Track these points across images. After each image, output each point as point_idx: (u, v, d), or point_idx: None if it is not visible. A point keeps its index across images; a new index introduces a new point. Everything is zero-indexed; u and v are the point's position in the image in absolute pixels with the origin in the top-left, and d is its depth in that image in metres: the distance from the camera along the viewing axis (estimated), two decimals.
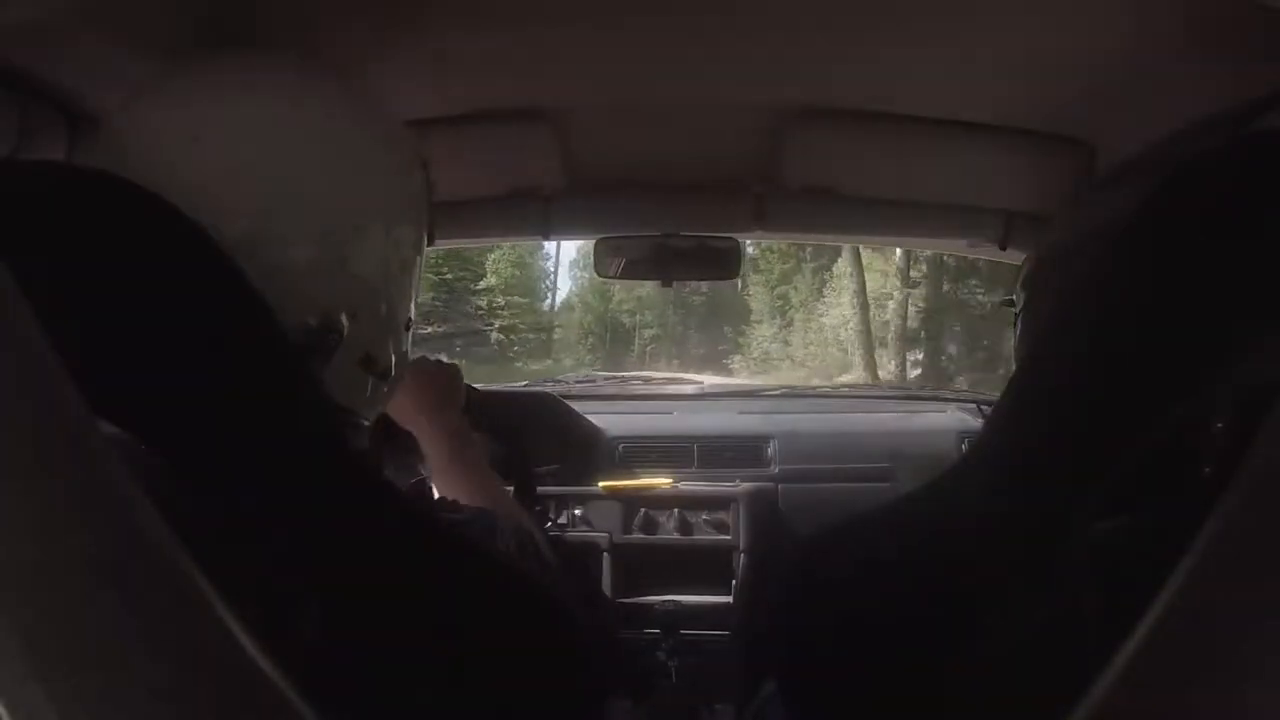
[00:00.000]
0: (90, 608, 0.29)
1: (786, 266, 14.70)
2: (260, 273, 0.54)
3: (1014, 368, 0.76)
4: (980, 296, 11.76)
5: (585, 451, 1.66)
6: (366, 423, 0.72)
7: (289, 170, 0.62)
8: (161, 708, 0.29)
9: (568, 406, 1.71)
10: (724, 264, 1.61)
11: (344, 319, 0.63)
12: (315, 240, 0.62)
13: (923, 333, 12.74)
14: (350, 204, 0.64)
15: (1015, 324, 0.77)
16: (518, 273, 15.50)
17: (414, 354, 0.80)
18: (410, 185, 0.71)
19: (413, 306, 0.74)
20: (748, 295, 15.21)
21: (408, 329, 0.73)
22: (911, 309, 12.62)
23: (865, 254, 12.40)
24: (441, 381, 0.96)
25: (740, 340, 15.52)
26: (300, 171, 0.62)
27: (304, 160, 0.62)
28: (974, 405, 1.86)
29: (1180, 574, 0.32)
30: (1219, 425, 0.51)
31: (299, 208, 0.62)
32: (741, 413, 1.93)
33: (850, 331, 13.05)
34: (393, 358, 0.71)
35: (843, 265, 13.40)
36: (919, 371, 12.38)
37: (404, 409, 0.90)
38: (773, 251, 14.28)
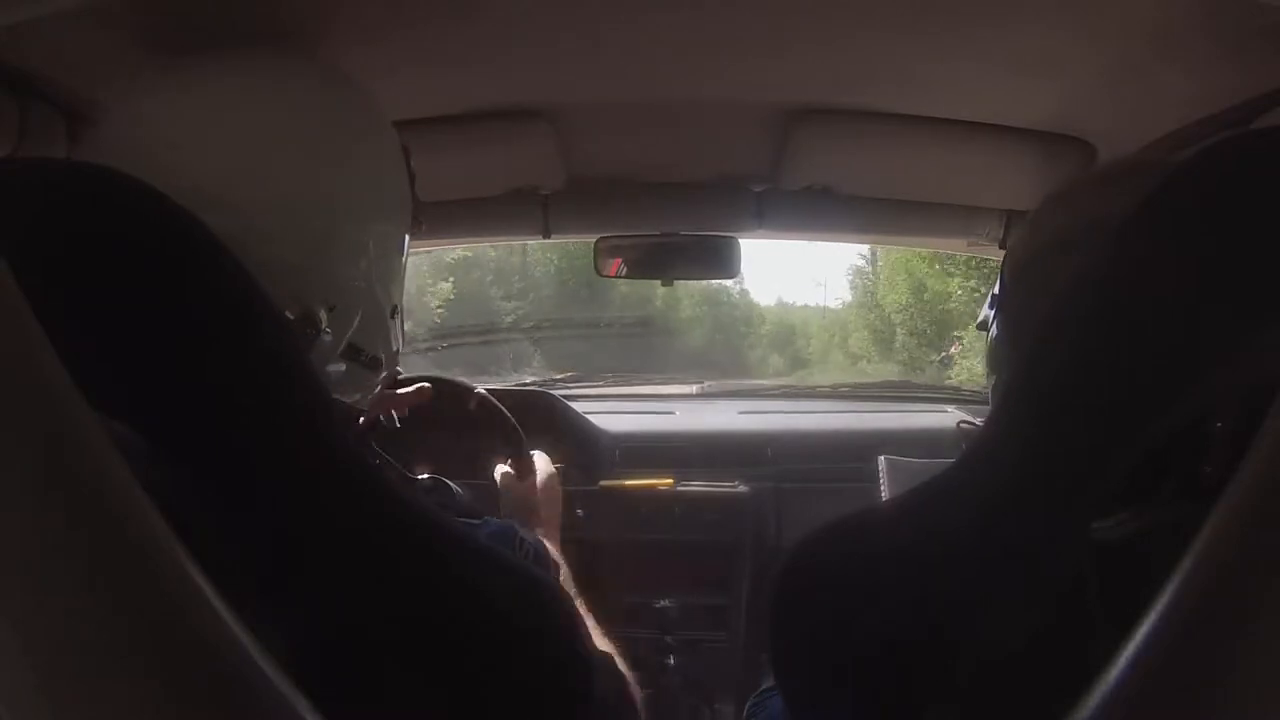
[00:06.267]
0: (90, 607, 0.29)
1: None
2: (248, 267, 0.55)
3: (990, 365, 0.76)
4: None
5: (585, 452, 1.66)
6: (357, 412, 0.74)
7: (271, 167, 0.63)
8: (160, 706, 0.29)
9: (568, 406, 1.71)
10: (724, 263, 1.60)
11: (322, 313, 0.64)
12: (298, 235, 0.63)
13: None
14: (333, 199, 0.65)
15: (991, 321, 0.75)
16: None
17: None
18: (393, 177, 0.72)
19: (400, 294, 0.75)
20: None
21: (394, 316, 0.74)
22: None
23: None
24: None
25: None
26: (282, 168, 0.63)
27: (285, 156, 0.63)
28: (975, 404, 1.87)
29: (1180, 574, 0.32)
30: (1218, 425, 0.51)
31: (281, 204, 0.63)
32: (741, 413, 1.93)
33: None
34: (381, 346, 0.72)
35: None
36: None
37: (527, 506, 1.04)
38: None
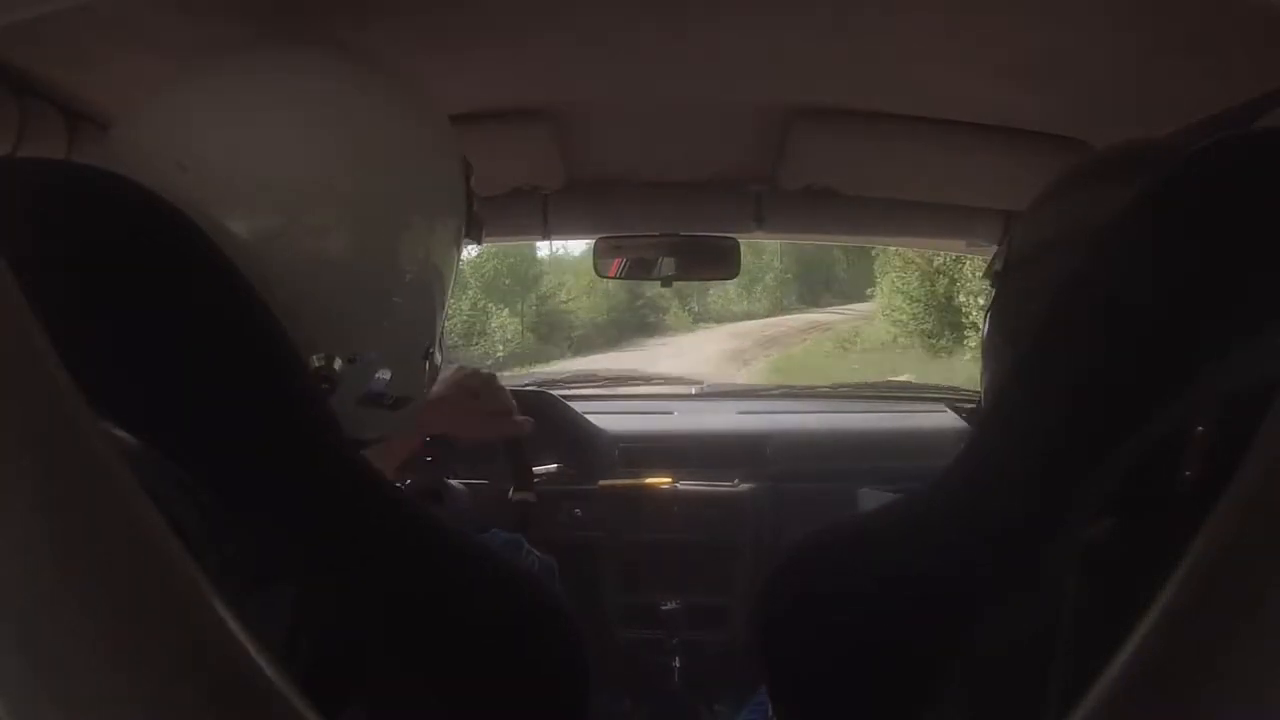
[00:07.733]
0: (90, 607, 0.29)
1: None
2: (276, 280, 0.54)
3: (983, 360, 0.77)
4: None
5: (585, 451, 1.66)
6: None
7: (315, 165, 0.59)
8: (161, 707, 0.29)
9: (567, 406, 1.71)
10: (724, 264, 1.61)
11: (337, 363, 0.60)
12: (342, 242, 0.60)
13: None
14: (375, 204, 0.61)
15: (984, 319, 0.77)
16: None
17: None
18: (447, 187, 0.68)
19: (438, 332, 0.69)
20: None
21: (426, 357, 0.69)
22: None
23: None
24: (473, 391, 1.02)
25: None
26: (327, 167, 0.59)
27: (332, 155, 0.59)
28: (974, 404, 1.87)
29: (1177, 577, 0.32)
30: (1214, 425, 0.51)
31: (324, 208, 0.59)
32: (741, 412, 1.93)
33: None
34: (411, 389, 0.68)
35: None
36: None
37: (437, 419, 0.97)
38: None
